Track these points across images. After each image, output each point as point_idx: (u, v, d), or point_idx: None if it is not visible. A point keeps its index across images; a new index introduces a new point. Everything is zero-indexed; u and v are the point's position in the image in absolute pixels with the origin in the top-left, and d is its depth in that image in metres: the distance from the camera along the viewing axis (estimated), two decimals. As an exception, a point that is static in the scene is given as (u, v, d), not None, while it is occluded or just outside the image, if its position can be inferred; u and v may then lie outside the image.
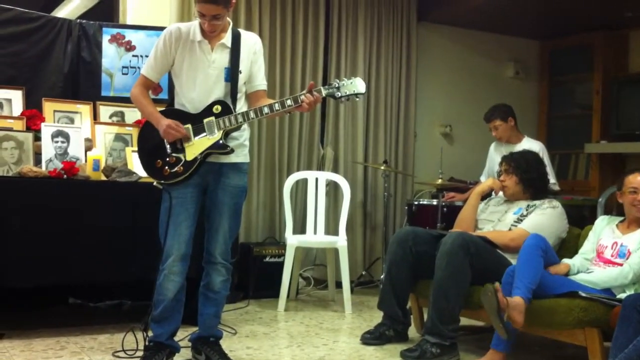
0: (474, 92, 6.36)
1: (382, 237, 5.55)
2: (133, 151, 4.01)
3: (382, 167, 5.36)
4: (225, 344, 3.41)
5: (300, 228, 5.23)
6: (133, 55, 4.59)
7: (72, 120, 4.22)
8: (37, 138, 3.93)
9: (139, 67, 4.44)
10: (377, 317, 4.01)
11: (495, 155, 4.83)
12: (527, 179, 3.89)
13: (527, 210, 3.82)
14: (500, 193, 4.08)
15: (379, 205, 5.78)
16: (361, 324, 4.29)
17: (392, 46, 5.89)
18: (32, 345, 3.47)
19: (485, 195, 4.15)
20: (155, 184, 3.15)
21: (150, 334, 3.17)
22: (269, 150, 5.37)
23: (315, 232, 4.98)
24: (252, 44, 3.24)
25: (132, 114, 4.39)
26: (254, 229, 5.29)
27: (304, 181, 5.18)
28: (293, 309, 4.72)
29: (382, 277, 4.60)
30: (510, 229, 3.77)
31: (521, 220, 3.76)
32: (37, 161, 3.87)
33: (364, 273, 5.60)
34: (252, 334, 3.94)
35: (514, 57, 6.67)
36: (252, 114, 3.11)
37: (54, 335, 3.66)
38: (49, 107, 4.18)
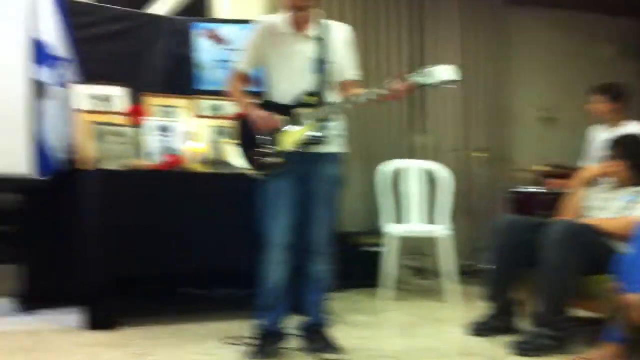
0: (572, 75, 6.13)
1: (484, 226, 5.40)
2: (231, 143, 4.06)
3: (481, 154, 5.23)
4: (335, 332, 3.40)
5: (399, 217, 5.16)
6: (226, 49, 4.66)
7: (172, 115, 4.31)
8: (141, 133, 4.04)
9: (231, 61, 4.49)
10: (483, 307, 3.90)
11: (596, 140, 4.59)
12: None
13: (639, 196, 3.60)
14: (607, 179, 3.87)
15: (479, 193, 5.64)
16: (467, 315, 4.18)
17: (487, 31, 5.75)
18: (149, 332, 3.59)
19: (591, 182, 3.95)
20: (252, 174, 3.19)
21: (259, 322, 3.21)
22: (365, 140, 5.34)
23: (415, 222, 4.91)
24: (342, 35, 3.23)
25: (230, 107, 4.44)
26: (352, 218, 5.28)
27: (402, 170, 5.10)
28: (398, 298, 4.67)
29: (486, 266, 4.47)
30: (618, 216, 3.57)
31: (632, 207, 3.55)
32: (142, 155, 3.98)
33: (467, 263, 5.47)
34: (358, 323, 3.93)
35: (613, 37, 6.34)
36: (344, 104, 3.11)
37: (168, 323, 3.77)
38: (150, 102, 4.29)
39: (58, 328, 3.71)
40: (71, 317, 3.85)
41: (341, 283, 4.71)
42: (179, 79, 4.61)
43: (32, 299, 4.08)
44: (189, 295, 4.41)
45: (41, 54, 3.98)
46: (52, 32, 4.08)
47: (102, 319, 3.62)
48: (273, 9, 4.96)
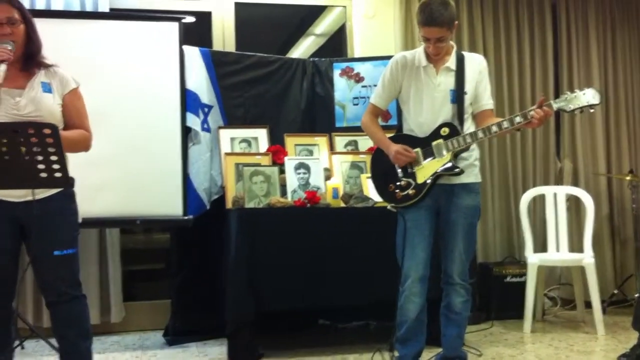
0: None
1: (634, 252, 5.13)
2: (367, 177, 4.17)
3: (628, 178, 4.99)
4: (471, 365, 3.38)
5: (541, 246, 5.02)
6: (362, 86, 4.80)
7: (311, 152, 4.49)
8: (282, 171, 4.24)
9: (368, 97, 4.61)
10: (633, 338, 3.71)
11: None
12: None
13: None
14: None
15: (627, 219, 5.36)
16: (616, 346, 3.99)
17: (629, 47, 5.50)
18: (289, 364, 3.74)
19: None
20: (389, 207, 3.26)
21: (396, 354, 3.24)
22: (502, 168, 5.25)
23: (557, 250, 4.75)
24: (476, 65, 3.24)
25: (365, 142, 4.56)
26: (491, 248, 5.19)
27: (542, 197, 4.97)
28: (540, 330, 4.53)
29: (636, 295, 4.25)
30: None
31: None
32: (283, 192, 4.18)
33: (616, 292, 5.20)
34: (499, 356, 3.85)
35: None
36: (480, 134, 3.10)
37: (307, 355, 3.88)
38: (290, 141, 4.50)
39: None
40: (215, 349, 4.09)
41: (480, 315, 4.66)
42: (319, 117, 4.79)
43: (179, 332, 4.35)
44: (328, 327, 4.51)
45: (190, 102, 4.32)
46: (200, 81, 4.43)
47: (243, 351, 3.79)
48: (407, 43, 5.04)
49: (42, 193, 2.69)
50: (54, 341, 2.93)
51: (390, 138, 3.28)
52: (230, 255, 3.86)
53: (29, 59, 2.77)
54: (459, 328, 3.26)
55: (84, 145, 2.85)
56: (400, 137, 3.29)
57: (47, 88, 2.77)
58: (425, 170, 3.17)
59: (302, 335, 4.35)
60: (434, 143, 3.16)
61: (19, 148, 2.31)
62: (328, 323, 4.52)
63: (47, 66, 2.82)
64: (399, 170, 3.22)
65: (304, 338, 4.27)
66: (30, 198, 2.67)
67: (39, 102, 2.71)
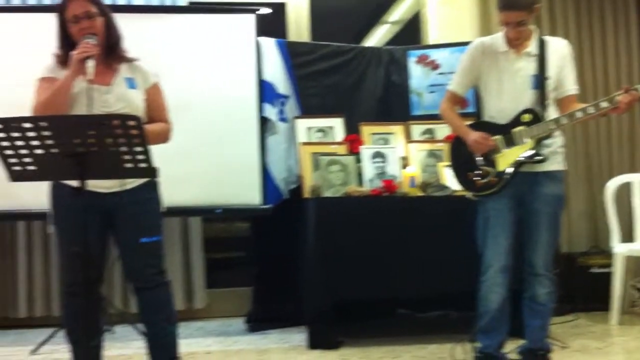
0: None
1: None
2: (445, 166, 4.11)
3: None
4: (556, 358, 3.29)
5: (627, 235, 4.83)
6: (438, 74, 4.73)
7: (387, 141, 4.45)
8: (358, 160, 4.23)
9: (444, 84, 4.53)
10: None
11: None
12: None
13: None
14: None
15: None
16: None
17: None
18: (368, 353, 3.72)
19: None
20: (469, 196, 3.20)
21: (477, 345, 3.20)
22: (586, 155, 5.08)
23: (645, 239, 4.57)
24: (559, 49, 3.14)
25: (442, 130, 4.49)
26: (576, 238, 5.03)
27: (628, 185, 4.78)
28: (627, 322, 4.37)
29: None
30: None
31: None
32: (360, 181, 4.17)
33: None
34: (584, 348, 3.74)
35: None
36: (563, 120, 3.01)
37: (387, 344, 3.87)
38: (366, 130, 4.48)
39: (282, 347, 3.98)
40: (295, 337, 4.13)
41: (565, 306, 4.53)
42: (395, 106, 4.76)
43: (260, 319, 4.42)
44: (407, 317, 4.49)
45: (267, 93, 4.37)
46: (276, 72, 4.46)
47: (322, 339, 3.81)
48: (485, 29, 4.93)
49: (129, 184, 2.78)
50: (141, 327, 3.03)
51: (470, 125, 3.21)
52: (307, 243, 3.89)
53: (110, 52, 2.83)
54: (543, 319, 3.18)
55: (164, 137, 2.92)
56: (480, 124, 3.22)
57: (131, 84, 2.83)
58: (506, 158, 3.09)
59: (381, 324, 4.34)
60: (515, 130, 3.08)
61: (105, 140, 2.37)
62: (407, 312, 4.50)
63: (128, 60, 2.89)
64: (479, 159, 3.15)
65: (383, 327, 4.26)
66: (118, 189, 2.75)
67: (127, 99, 2.78)
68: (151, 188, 2.86)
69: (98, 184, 2.68)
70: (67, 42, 2.78)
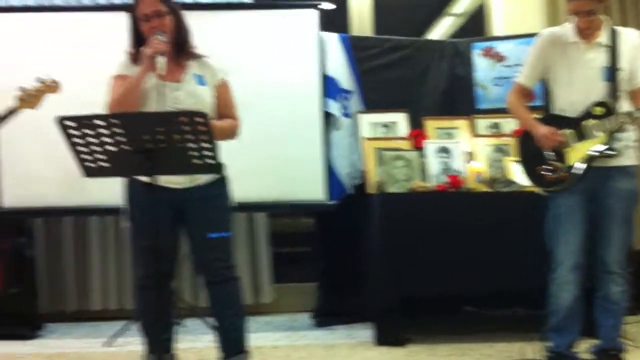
0: None
1: None
2: (512, 161, 4.03)
3: None
4: (630, 358, 3.20)
5: None
6: (504, 66, 4.63)
7: (452, 136, 4.40)
8: (422, 155, 4.19)
9: (510, 77, 4.45)
10: None
11: None
12: None
13: None
14: None
15: None
16: None
17: None
18: (435, 350, 3.70)
19: None
20: (538, 192, 3.13)
21: (548, 343, 3.13)
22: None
23: None
24: (632, 40, 3.05)
25: (509, 124, 4.40)
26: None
27: None
28: None
29: None
30: None
31: None
32: (424, 177, 4.13)
33: None
34: (658, 348, 3.62)
35: None
36: (637, 114, 2.91)
37: (454, 342, 3.83)
38: (430, 125, 4.43)
39: (349, 342, 3.98)
40: (362, 333, 4.12)
41: (639, 305, 4.38)
42: (459, 100, 4.70)
43: (326, 314, 4.44)
44: (474, 314, 4.42)
45: (330, 88, 4.37)
46: (339, 67, 4.46)
47: (389, 335, 3.80)
48: (552, 20, 4.81)
49: (200, 180, 2.83)
50: (211, 320, 3.08)
51: (539, 119, 3.14)
52: (372, 239, 3.88)
53: (179, 49, 2.89)
54: (616, 319, 3.09)
55: (232, 133, 2.96)
56: (549, 117, 3.15)
57: (201, 80, 2.88)
58: (577, 152, 3.02)
59: (448, 320, 4.28)
60: (585, 123, 3.00)
61: (173, 136, 2.41)
62: (474, 310, 4.44)
63: (197, 57, 2.94)
64: (548, 153, 3.07)
65: (449, 324, 4.20)
66: (188, 184, 2.81)
67: (196, 95, 2.84)
68: (221, 184, 2.91)
69: (170, 179, 2.74)
70: (139, 40, 2.85)
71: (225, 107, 2.95)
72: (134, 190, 2.84)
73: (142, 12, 2.81)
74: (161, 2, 2.84)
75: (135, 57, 2.86)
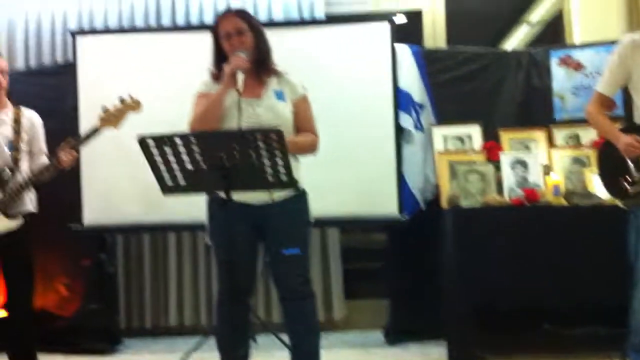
0: None
1: None
2: (592, 173, 3.91)
3: None
4: None
5: None
6: (583, 75, 4.51)
7: (528, 148, 4.30)
8: (497, 168, 4.11)
9: (589, 86, 4.33)
10: None
11: None
12: None
13: None
14: None
15: None
16: None
17: None
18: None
19: None
20: (619, 204, 3.03)
21: (629, 363, 3.02)
22: None
23: None
24: None
25: (587, 135, 4.28)
26: None
27: None
28: None
29: None
30: None
31: None
32: (499, 190, 4.04)
33: None
34: None
35: None
36: None
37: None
38: (505, 136, 4.35)
39: (420, 360, 3.94)
40: (435, 350, 4.07)
41: None
42: (537, 110, 4.59)
43: (398, 331, 4.40)
44: (552, 332, 4.29)
45: (403, 102, 4.35)
46: (412, 80, 4.44)
47: (463, 353, 3.73)
48: (633, 25, 4.65)
49: (279, 196, 2.85)
50: (283, 336, 3.08)
51: (622, 129, 3.04)
52: (446, 255, 3.83)
53: (260, 66, 2.94)
54: None
55: (312, 148, 2.99)
56: (631, 127, 3.06)
57: (280, 96, 2.93)
58: (664, 163, 2.90)
59: (525, 338, 4.16)
60: (673, 133, 2.89)
61: (249, 153, 2.45)
62: (552, 327, 4.31)
63: (277, 73, 2.99)
64: (632, 165, 2.96)
65: (527, 342, 4.09)
66: (267, 200, 2.85)
67: (275, 111, 2.89)
68: (300, 200, 2.93)
69: (249, 196, 2.79)
70: (221, 57, 2.93)
71: (304, 122, 2.98)
72: (215, 207, 2.90)
73: (223, 30, 2.90)
74: (242, 20, 2.91)
75: (217, 75, 2.94)
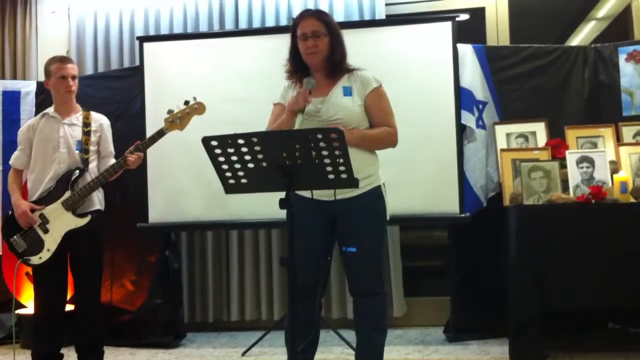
0: None
1: None
2: (663, 170, 3.79)
3: None
4: None
5: None
6: (654, 70, 4.38)
7: (595, 145, 4.21)
8: (563, 166, 4.02)
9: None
10: None
11: None
12: None
13: None
14: None
15: None
16: None
17: None
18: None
19: None
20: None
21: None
22: None
23: None
24: None
25: (660, 131, 4.16)
26: None
27: None
28: None
29: None
30: None
31: None
32: (565, 188, 3.96)
33: None
34: None
35: None
36: None
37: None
38: (571, 134, 4.25)
39: (483, 359, 3.89)
40: (497, 349, 4.03)
41: None
42: (604, 107, 4.48)
43: (459, 329, 4.36)
44: (619, 331, 4.19)
45: (465, 100, 4.31)
46: (474, 78, 4.39)
47: (526, 352, 3.66)
48: None
49: (350, 193, 2.86)
50: (342, 332, 3.09)
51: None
52: (510, 253, 3.77)
53: (333, 68, 2.99)
54: None
55: (389, 141, 3.00)
56: None
57: (347, 92, 2.95)
58: None
59: (590, 338, 4.10)
60: None
61: (310, 152, 2.47)
62: (619, 327, 4.20)
63: (350, 71, 3.02)
64: None
65: (592, 341, 4.03)
66: (340, 197, 2.86)
67: (341, 106, 2.91)
68: (375, 196, 2.94)
69: (323, 192, 2.82)
70: (297, 55, 3.00)
71: (379, 115, 2.98)
72: (290, 204, 2.94)
73: (301, 31, 2.95)
74: (320, 21, 2.96)
75: (291, 72, 3.03)
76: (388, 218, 3.01)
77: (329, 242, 2.98)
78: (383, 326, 2.96)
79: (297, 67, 3.01)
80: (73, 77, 3.70)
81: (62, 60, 3.73)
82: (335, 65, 2.98)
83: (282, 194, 2.48)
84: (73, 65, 3.73)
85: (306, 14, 3.03)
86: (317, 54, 2.94)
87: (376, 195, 2.94)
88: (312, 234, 2.79)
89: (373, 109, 2.97)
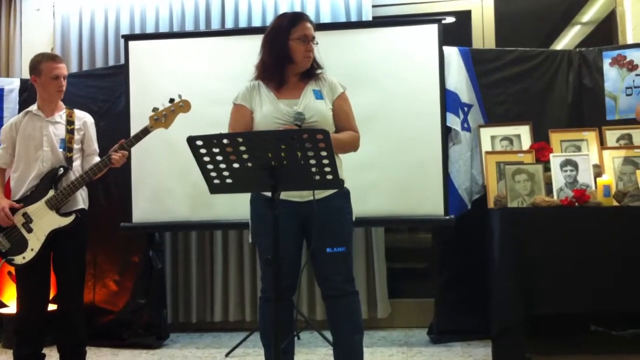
0: None
1: None
2: (645, 174, 3.82)
3: None
4: None
5: None
6: (636, 75, 4.41)
7: (579, 148, 4.23)
8: (547, 169, 4.05)
9: (644, 86, 4.24)
10: None
11: None
12: None
13: None
14: None
15: None
16: None
17: None
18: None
19: None
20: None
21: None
22: None
23: None
24: None
25: (640, 136, 4.19)
26: None
27: None
28: None
29: None
30: None
31: None
32: (548, 191, 3.98)
33: None
34: None
35: None
36: None
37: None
38: (555, 137, 4.28)
39: (465, 361, 3.91)
40: (480, 351, 4.05)
41: None
42: (588, 111, 4.51)
43: (443, 331, 4.37)
44: (601, 334, 4.22)
45: (450, 103, 4.32)
46: (459, 81, 4.41)
47: (509, 354, 3.67)
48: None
49: (322, 194, 2.88)
50: (326, 333, 3.10)
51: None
52: (493, 255, 3.78)
53: (308, 72, 3.02)
54: None
55: (353, 145, 3.01)
56: None
57: (318, 95, 2.98)
58: None
59: (573, 340, 4.12)
60: None
61: (296, 153, 2.47)
62: (601, 329, 4.23)
63: (316, 74, 3.03)
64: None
65: (574, 344, 4.05)
66: (311, 198, 2.86)
67: (315, 109, 2.92)
68: (343, 198, 2.96)
69: (292, 194, 2.82)
70: (278, 52, 2.96)
71: (344, 119, 3.01)
72: (258, 205, 2.94)
73: (301, 33, 2.96)
74: (313, 28, 3.02)
75: (264, 70, 3.01)
76: (354, 219, 3.03)
77: (301, 243, 2.99)
78: (362, 325, 2.98)
79: (276, 67, 3.00)
80: (64, 77, 3.67)
81: (55, 59, 3.68)
82: (312, 69, 3.02)
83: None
84: (64, 64, 3.70)
85: (305, 17, 3.04)
86: (311, 58, 2.99)
87: (347, 196, 2.98)
88: (285, 235, 2.78)
89: (340, 113, 3.00)
